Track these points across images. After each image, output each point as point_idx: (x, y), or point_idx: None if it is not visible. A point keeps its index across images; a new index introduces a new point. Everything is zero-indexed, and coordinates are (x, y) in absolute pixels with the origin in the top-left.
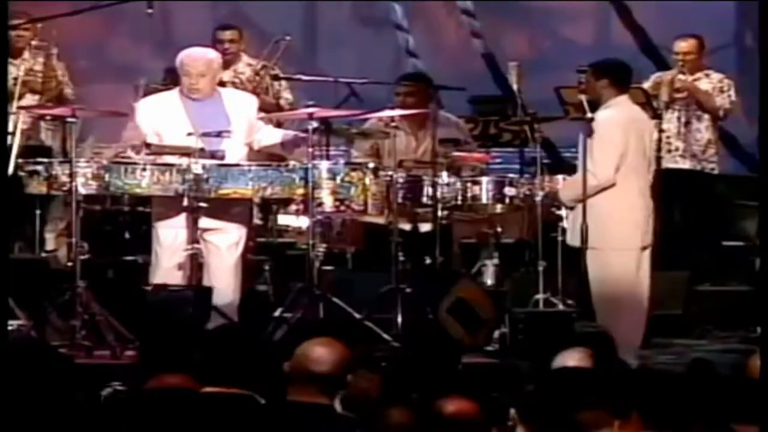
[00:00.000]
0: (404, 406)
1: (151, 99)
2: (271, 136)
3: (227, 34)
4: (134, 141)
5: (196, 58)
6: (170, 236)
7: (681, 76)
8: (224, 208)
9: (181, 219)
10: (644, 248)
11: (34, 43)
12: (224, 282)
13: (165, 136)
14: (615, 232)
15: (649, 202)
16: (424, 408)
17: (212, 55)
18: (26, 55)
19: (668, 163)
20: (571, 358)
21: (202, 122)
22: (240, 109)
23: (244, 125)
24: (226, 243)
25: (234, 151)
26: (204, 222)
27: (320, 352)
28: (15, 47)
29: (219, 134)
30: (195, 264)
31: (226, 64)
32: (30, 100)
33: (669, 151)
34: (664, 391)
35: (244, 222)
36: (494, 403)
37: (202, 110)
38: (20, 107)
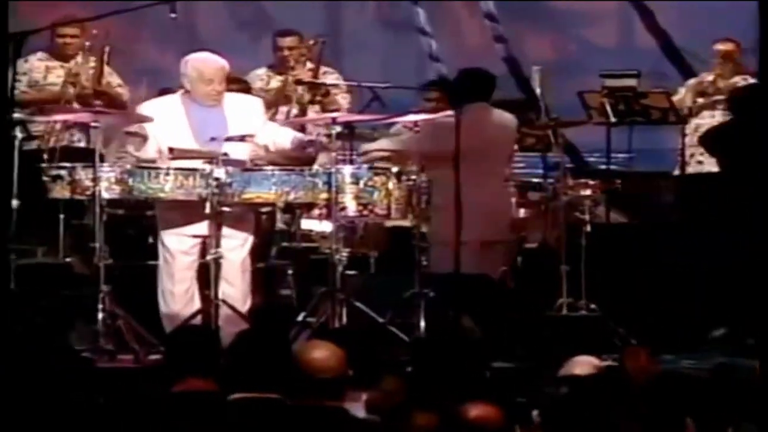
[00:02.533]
0: (429, 410)
1: (153, 103)
2: (285, 137)
3: (287, 41)
4: (135, 139)
5: (216, 65)
6: (177, 242)
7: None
8: (226, 214)
9: (188, 226)
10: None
11: (87, 43)
12: (232, 284)
13: (166, 140)
14: None
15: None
16: (449, 412)
17: (224, 60)
18: (79, 58)
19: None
20: (579, 366)
21: (204, 127)
22: (244, 112)
23: (248, 129)
24: (227, 246)
25: (238, 155)
26: (203, 228)
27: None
28: (65, 51)
29: (242, 138)
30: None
31: (283, 71)
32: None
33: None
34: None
35: (247, 225)
36: (518, 407)
37: (204, 115)
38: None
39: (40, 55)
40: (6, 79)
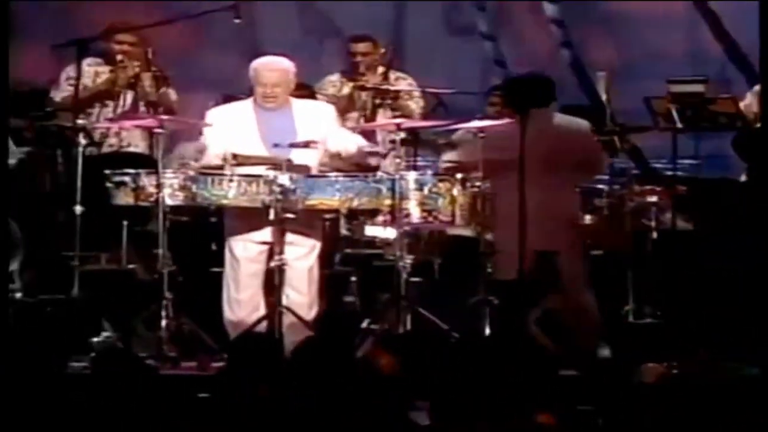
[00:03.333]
0: (492, 418)
1: (224, 108)
2: (353, 145)
3: (361, 47)
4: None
5: (272, 67)
6: (242, 249)
7: None
8: (292, 221)
9: (254, 232)
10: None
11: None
12: (298, 292)
13: (234, 145)
14: None
15: None
16: (513, 421)
17: (287, 64)
18: (119, 58)
19: None
20: (645, 374)
21: (271, 133)
22: (313, 119)
23: (316, 135)
24: (294, 254)
25: (306, 161)
26: (269, 235)
27: (382, 364)
28: (113, 55)
29: (306, 145)
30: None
31: (357, 76)
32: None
33: None
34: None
35: (314, 233)
36: (583, 416)
37: (273, 121)
38: (109, 119)
39: (90, 60)
40: (6, 79)
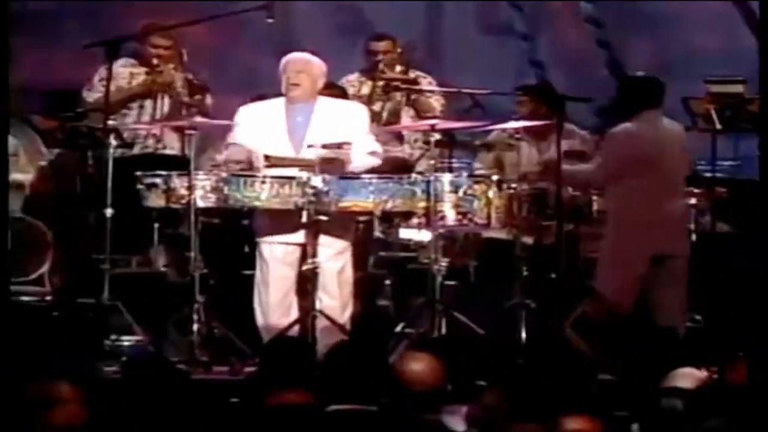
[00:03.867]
0: (531, 423)
1: (254, 105)
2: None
3: (381, 45)
4: (236, 157)
5: (296, 58)
6: (273, 251)
7: None
8: (324, 223)
9: (285, 234)
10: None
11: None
12: (330, 294)
13: (262, 142)
14: None
15: None
16: (550, 426)
17: (313, 58)
18: (155, 61)
19: None
20: (682, 379)
21: (297, 130)
22: (340, 119)
23: (348, 136)
24: (325, 256)
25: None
26: (300, 237)
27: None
28: (154, 60)
29: (339, 146)
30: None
31: (375, 75)
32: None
33: None
34: None
35: (346, 234)
36: (619, 421)
37: (302, 119)
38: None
39: (123, 61)
40: (6, 79)
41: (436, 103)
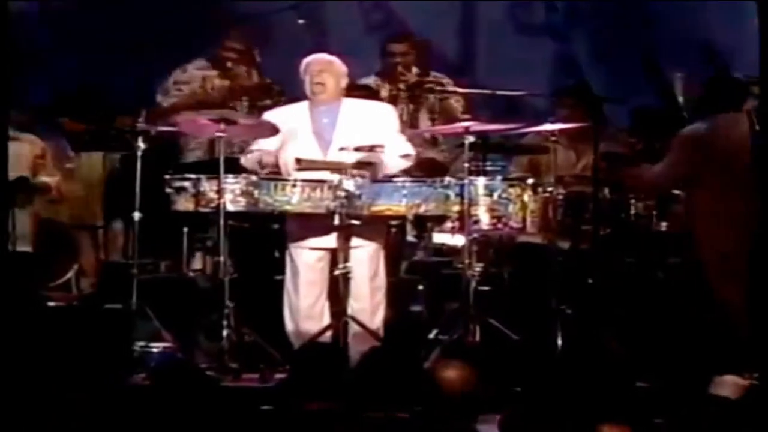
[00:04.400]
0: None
1: (278, 110)
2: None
3: (401, 47)
4: (261, 159)
5: (317, 58)
6: (304, 256)
7: None
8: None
9: (315, 238)
10: None
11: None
12: (360, 299)
13: (290, 147)
14: None
15: None
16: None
17: (334, 58)
18: (229, 64)
19: None
20: (723, 386)
21: (324, 133)
22: (372, 120)
23: (376, 137)
24: (356, 260)
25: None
26: (332, 241)
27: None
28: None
29: (372, 148)
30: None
31: (396, 77)
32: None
33: None
34: None
35: (377, 238)
36: (656, 428)
37: (328, 121)
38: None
39: (196, 63)
40: (6, 79)
41: (457, 104)
